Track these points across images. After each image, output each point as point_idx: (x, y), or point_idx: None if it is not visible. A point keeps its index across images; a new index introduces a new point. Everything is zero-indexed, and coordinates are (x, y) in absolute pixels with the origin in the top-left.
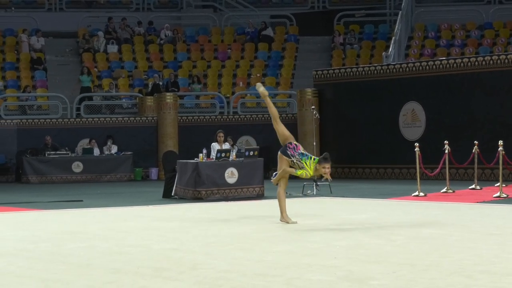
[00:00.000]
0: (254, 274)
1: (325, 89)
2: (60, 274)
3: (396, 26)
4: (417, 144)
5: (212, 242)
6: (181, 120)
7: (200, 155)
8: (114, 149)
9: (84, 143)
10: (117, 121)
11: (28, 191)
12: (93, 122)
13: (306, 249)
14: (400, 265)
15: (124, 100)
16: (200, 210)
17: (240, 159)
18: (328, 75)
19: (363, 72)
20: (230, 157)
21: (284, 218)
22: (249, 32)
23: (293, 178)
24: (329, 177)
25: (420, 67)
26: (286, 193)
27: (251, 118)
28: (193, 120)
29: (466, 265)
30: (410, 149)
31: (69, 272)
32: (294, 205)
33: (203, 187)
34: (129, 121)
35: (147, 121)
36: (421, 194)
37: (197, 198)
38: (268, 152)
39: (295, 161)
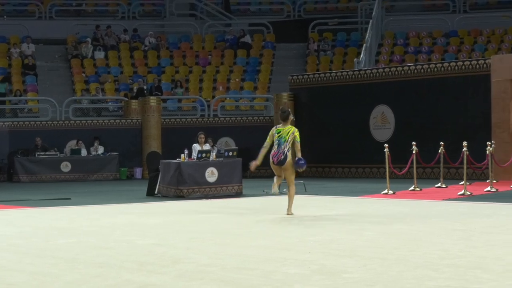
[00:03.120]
0: (233, 267)
1: (300, 93)
2: (49, 268)
3: (367, 34)
4: (387, 145)
5: (193, 238)
6: (164, 122)
7: (182, 155)
8: (101, 149)
9: (72, 144)
10: (103, 123)
11: (19, 190)
12: (81, 124)
13: (282, 244)
14: (371, 259)
15: (110, 103)
16: (182, 208)
17: (220, 159)
18: (303, 80)
19: (336, 77)
20: (211, 157)
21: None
22: (228, 39)
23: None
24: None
25: (390, 73)
26: (263, 191)
27: (230, 121)
28: (175, 122)
29: (432, 259)
30: (380, 150)
31: (57, 266)
32: (270, 202)
33: (185, 186)
34: (115, 123)
35: (132, 123)
36: (390, 192)
37: (179, 196)
38: (246, 153)
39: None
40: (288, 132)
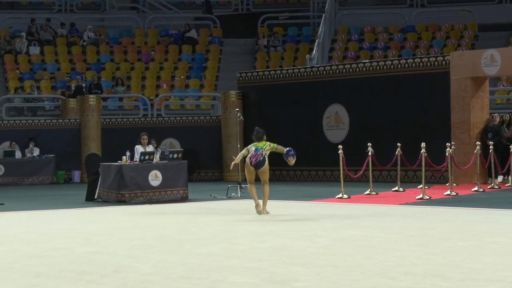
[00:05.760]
0: (178, 276)
1: (249, 91)
2: None
3: (320, 29)
4: (341, 146)
5: (136, 245)
6: (104, 123)
7: (124, 157)
8: (36, 151)
9: (5, 145)
10: (39, 124)
11: None
12: (14, 124)
13: (230, 251)
14: (324, 266)
15: (46, 102)
16: (123, 213)
17: (164, 161)
18: (252, 78)
19: (287, 75)
20: (154, 160)
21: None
22: (172, 34)
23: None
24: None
25: (344, 70)
26: (210, 195)
27: (175, 121)
28: (116, 122)
29: (389, 267)
30: (334, 151)
31: None
32: (219, 206)
33: (127, 190)
34: (51, 123)
35: (69, 123)
36: (345, 196)
37: (121, 201)
38: (192, 155)
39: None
40: (264, 145)
